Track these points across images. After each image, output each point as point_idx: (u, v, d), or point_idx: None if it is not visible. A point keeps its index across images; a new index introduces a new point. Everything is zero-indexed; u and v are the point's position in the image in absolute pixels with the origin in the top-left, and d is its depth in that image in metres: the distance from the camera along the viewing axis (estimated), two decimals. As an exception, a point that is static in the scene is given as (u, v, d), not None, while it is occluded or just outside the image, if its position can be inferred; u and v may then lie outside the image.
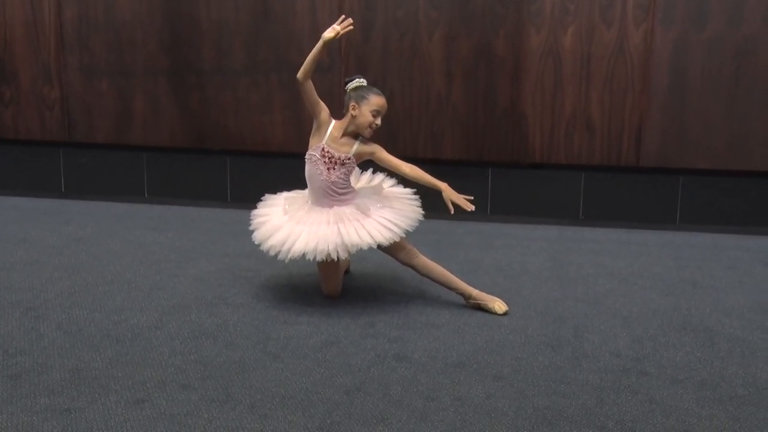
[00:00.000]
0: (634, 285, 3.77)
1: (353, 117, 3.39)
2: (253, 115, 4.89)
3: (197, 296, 3.54)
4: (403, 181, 3.56)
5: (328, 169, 3.40)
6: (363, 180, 3.65)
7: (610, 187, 4.72)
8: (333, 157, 3.39)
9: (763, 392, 2.72)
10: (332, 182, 3.41)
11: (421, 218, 3.50)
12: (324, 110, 3.42)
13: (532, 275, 3.89)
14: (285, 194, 3.62)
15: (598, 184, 4.72)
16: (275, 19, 4.76)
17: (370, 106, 3.37)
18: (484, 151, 4.72)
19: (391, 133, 4.72)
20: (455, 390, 2.70)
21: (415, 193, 3.60)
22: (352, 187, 3.49)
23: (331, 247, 3.28)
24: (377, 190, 3.54)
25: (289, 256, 3.32)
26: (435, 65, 4.66)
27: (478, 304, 3.44)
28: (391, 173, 3.58)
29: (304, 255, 3.30)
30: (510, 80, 4.62)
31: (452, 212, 3.35)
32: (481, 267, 4.00)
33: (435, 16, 4.61)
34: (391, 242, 3.35)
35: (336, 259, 3.33)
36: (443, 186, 3.37)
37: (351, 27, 3.38)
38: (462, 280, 3.50)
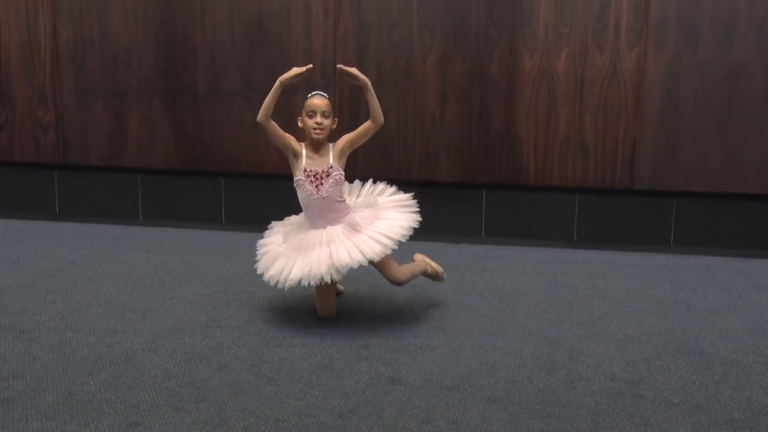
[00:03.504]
0: (629, 307, 3.77)
1: (303, 130, 3.49)
2: (248, 136, 4.89)
3: (191, 319, 3.53)
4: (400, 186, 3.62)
5: (316, 186, 3.43)
6: (363, 192, 3.66)
7: (604, 210, 4.73)
8: (317, 173, 3.43)
9: (758, 416, 2.71)
10: (325, 198, 3.43)
11: (416, 225, 3.50)
12: (291, 139, 3.51)
13: (526, 297, 3.89)
14: (292, 219, 3.64)
15: (592, 206, 4.73)
16: (270, 40, 4.78)
17: (305, 112, 3.47)
18: (478, 173, 4.74)
19: (386, 155, 4.73)
20: (450, 413, 2.69)
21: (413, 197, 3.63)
22: (346, 203, 3.52)
23: (323, 270, 3.29)
24: (371, 203, 3.54)
25: (287, 285, 3.34)
26: (429, 87, 4.68)
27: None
28: (391, 181, 3.60)
29: (299, 282, 3.32)
30: (504, 102, 4.64)
31: (354, 73, 3.45)
32: (476, 289, 3.99)
33: (429, 39, 4.63)
34: (383, 256, 3.36)
35: (330, 281, 3.33)
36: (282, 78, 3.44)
37: (310, 66, 3.49)
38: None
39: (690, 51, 4.44)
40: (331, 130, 3.51)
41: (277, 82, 3.42)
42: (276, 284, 3.39)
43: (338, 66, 3.52)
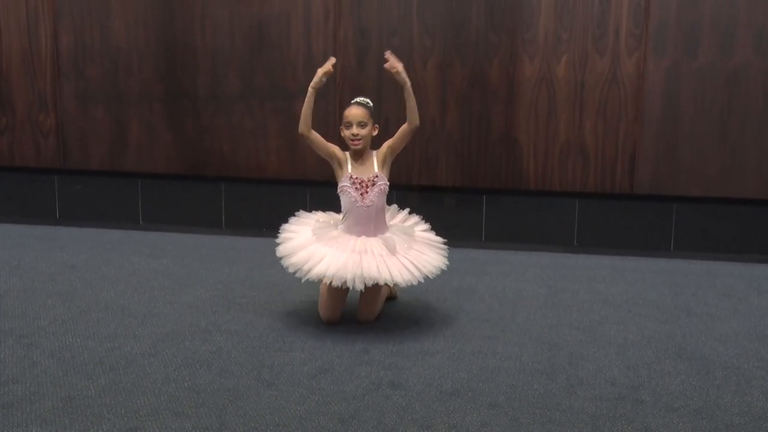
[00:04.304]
0: (629, 312, 3.77)
1: (345, 139, 3.50)
2: (248, 141, 4.90)
3: (191, 323, 3.53)
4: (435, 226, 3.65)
5: (361, 194, 3.45)
6: (397, 218, 3.67)
7: (604, 214, 4.73)
8: (363, 181, 3.46)
9: (758, 421, 2.71)
10: (368, 206, 3.45)
11: (444, 268, 3.50)
12: (335, 148, 3.52)
13: (526, 302, 3.89)
14: (319, 215, 3.65)
15: (593, 211, 4.74)
16: (270, 46, 4.78)
17: (343, 122, 3.50)
18: (478, 178, 4.74)
19: (386, 160, 4.73)
20: (450, 418, 2.69)
21: (444, 243, 3.65)
22: (386, 219, 3.55)
23: (349, 276, 3.29)
24: (408, 231, 3.54)
25: (306, 277, 3.35)
26: (429, 92, 4.68)
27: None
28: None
29: (321, 278, 3.33)
30: (504, 107, 4.64)
31: (396, 67, 3.47)
32: (476, 293, 3.99)
33: (429, 44, 4.64)
34: (408, 285, 3.38)
35: (351, 288, 3.33)
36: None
37: (333, 60, 3.52)
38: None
39: (690, 56, 4.44)
40: (373, 137, 3.53)
41: (310, 90, 3.44)
42: (295, 273, 3.39)
43: (387, 54, 3.48)
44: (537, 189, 4.71)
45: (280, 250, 3.49)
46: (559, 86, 4.57)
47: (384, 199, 3.51)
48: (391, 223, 3.61)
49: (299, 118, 3.47)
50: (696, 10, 4.40)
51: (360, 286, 3.31)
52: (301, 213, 3.68)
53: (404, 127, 3.48)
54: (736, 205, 4.59)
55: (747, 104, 4.44)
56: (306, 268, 3.35)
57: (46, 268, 4.29)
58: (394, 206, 3.72)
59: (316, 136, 3.48)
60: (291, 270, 3.40)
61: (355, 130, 3.45)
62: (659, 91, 4.50)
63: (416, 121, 3.47)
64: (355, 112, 3.47)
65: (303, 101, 3.50)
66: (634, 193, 4.63)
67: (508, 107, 4.64)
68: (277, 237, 3.57)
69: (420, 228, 3.66)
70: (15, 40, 5.02)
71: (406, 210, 3.74)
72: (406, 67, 4.65)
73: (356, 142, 3.46)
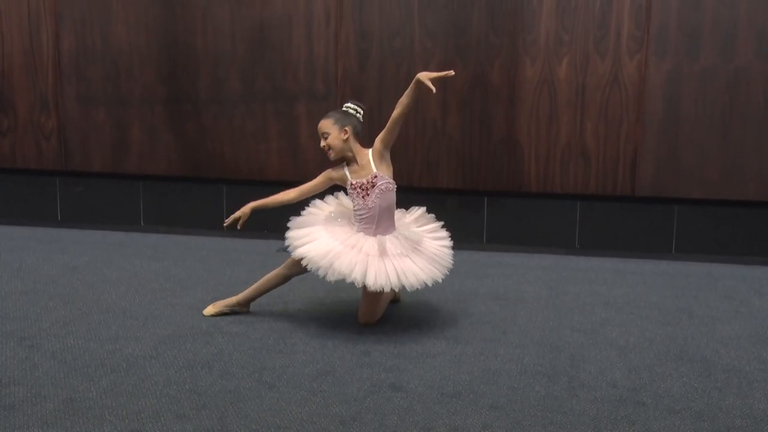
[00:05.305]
0: (631, 314, 3.77)
1: None
2: (249, 143, 4.90)
3: (192, 325, 3.53)
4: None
5: (363, 197, 3.47)
6: (408, 217, 3.66)
7: (605, 217, 4.73)
8: (362, 184, 3.47)
9: (760, 423, 2.71)
10: (370, 207, 3.46)
11: (430, 284, 3.44)
12: (327, 173, 3.57)
13: (528, 304, 3.89)
14: (342, 200, 3.67)
15: (594, 213, 4.73)
16: (271, 48, 4.79)
17: None
18: (479, 180, 4.74)
19: (387, 162, 4.73)
20: (451, 420, 2.69)
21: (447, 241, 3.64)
22: (394, 222, 3.54)
23: (323, 264, 3.32)
24: (413, 237, 3.51)
25: (292, 249, 3.42)
26: (430, 95, 4.67)
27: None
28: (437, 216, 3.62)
29: (301, 258, 3.38)
30: (505, 110, 4.64)
31: (434, 91, 3.33)
32: (477, 295, 3.99)
33: (430, 46, 4.64)
34: (377, 291, 3.36)
35: (320, 276, 3.36)
36: (419, 76, 3.34)
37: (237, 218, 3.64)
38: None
39: (691, 58, 4.44)
40: (359, 136, 3.54)
41: (257, 205, 3.62)
42: (287, 243, 3.47)
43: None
44: (538, 191, 4.71)
45: (293, 221, 3.55)
46: (560, 88, 4.57)
47: (389, 197, 3.49)
48: (407, 221, 3.62)
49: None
50: (697, 13, 4.40)
51: (330, 278, 3.32)
52: (340, 194, 3.70)
53: (393, 115, 3.39)
54: (737, 208, 4.59)
55: (748, 106, 4.45)
56: (297, 243, 3.43)
57: (48, 270, 4.29)
58: (422, 209, 3.70)
59: (303, 189, 3.58)
60: (287, 242, 3.47)
61: (322, 143, 3.51)
62: (660, 94, 4.50)
63: (408, 106, 3.39)
64: (319, 126, 3.52)
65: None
66: (635, 196, 4.63)
67: (509, 109, 4.64)
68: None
69: (436, 235, 3.63)
70: (17, 41, 5.03)
71: (423, 208, 3.72)
72: (408, 69, 4.67)
73: (329, 153, 3.51)
